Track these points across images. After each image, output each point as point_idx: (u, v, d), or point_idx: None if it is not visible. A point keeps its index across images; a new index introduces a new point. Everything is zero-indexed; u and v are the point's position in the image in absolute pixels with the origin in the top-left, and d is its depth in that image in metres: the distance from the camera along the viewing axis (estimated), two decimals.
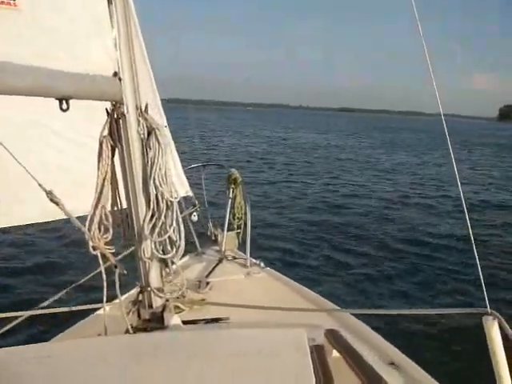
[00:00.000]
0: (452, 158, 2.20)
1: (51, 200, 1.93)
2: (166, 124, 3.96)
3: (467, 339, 5.28)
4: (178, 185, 4.13)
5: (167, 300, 2.59)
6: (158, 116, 3.45)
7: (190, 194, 4.26)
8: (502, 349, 1.90)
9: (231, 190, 4.41)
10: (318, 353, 1.98)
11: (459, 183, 2.22)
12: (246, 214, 4.31)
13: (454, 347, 5.44)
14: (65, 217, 2.57)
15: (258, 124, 71.97)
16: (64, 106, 1.93)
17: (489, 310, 1.97)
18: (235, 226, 4.46)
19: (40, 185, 1.87)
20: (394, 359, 2.43)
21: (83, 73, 2.04)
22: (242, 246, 4.35)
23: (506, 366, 1.90)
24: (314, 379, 1.53)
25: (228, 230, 4.42)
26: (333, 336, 2.17)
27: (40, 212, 2.98)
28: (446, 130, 2.20)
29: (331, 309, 2.98)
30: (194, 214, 4.33)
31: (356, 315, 2.84)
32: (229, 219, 4.42)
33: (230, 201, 4.41)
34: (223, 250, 4.31)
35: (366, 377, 1.79)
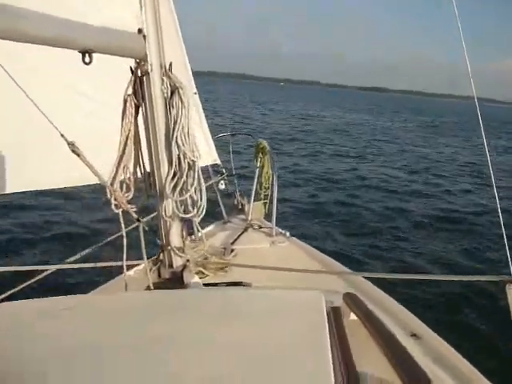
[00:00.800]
0: (482, 131, 2.11)
1: (73, 151, 1.94)
2: (195, 91, 3.96)
3: (490, 308, 5.26)
4: (206, 153, 4.14)
5: (188, 260, 2.61)
6: (186, 79, 3.43)
7: (218, 162, 4.26)
8: None
9: (259, 160, 4.39)
10: (334, 314, 1.96)
11: (489, 157, 2.14)
12: (273, 183, 4.28)
13: (475, 317, 5.39)
14: (90, 182, 2.62)
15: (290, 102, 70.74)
16: (87, 59, 1.92)
17: None
18: (262, 196, 4.44)
19: (62, 135, 1.89)
20: (416, 330, 2.38)
21: (106, 27, 2.03)
22: (268, 216, 4.34)
23: None
24: (328, 339, 1.51)
25: (255, 200, 4.41)
26: (352, 300, 2.14)
27: (64, 178, 3.05)
28: (479, 114, 2.12)
29: (352, 273, 2.95)
30: (221, 182, 4.33)
31: (378, 282, 2.79)
32: (256, 189, 4.41)
33: (257, 170, 4.39)
34: (249, 219, 4.30)
35: (386, 343, 1.75)
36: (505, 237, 2.01)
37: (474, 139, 29.65)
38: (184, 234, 2.62)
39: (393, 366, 1.52)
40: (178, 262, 2.58)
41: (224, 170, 4.38)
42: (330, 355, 1.41)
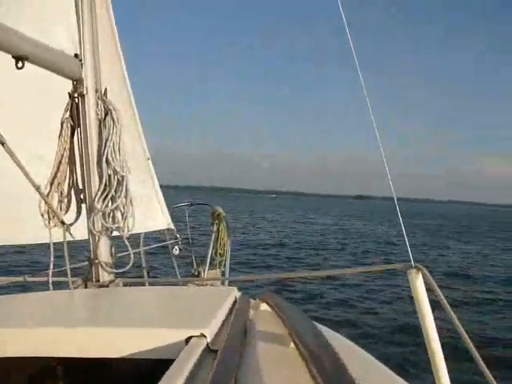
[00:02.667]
0: None
1: (1, 143, 2.07)
2: (148, 156, 4.19)
3: (394, 296, 5.34)
4: (160, 216, 4.26)
5: (115, 276, 2.62)
6: (134, 128, 3.69)
7: (172, 227, 4.35)
8: (427, 301, 1.86)
9: (215, 226, 4.49)
10: (241, 300, 1.98)
11: None
12: (227, 249, 4.35)
13: (381, 306, 5.46)
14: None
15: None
16: (19, 64, 2.13)
17: (413, 263, 1.95)
18: (217, 262, 4.47)
19: None
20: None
21: (46, 44, 2.29)
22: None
23: (432, 317, 1.84)
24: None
25: (210, 266, 4.43)
26: (268, 295, 2.14)
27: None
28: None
29: None
30: (176, 247, 4.38)
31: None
32: (211, 254, 4.45)
33: (213, 235, 4.47)
34: (204, 283, 4.29)
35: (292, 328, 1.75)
36: (402, 226, 2.10)
37: None
38: (113, 251, 2.65)
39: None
40: (105, 277, 2.58)
41: (178, 235, 4.46)
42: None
